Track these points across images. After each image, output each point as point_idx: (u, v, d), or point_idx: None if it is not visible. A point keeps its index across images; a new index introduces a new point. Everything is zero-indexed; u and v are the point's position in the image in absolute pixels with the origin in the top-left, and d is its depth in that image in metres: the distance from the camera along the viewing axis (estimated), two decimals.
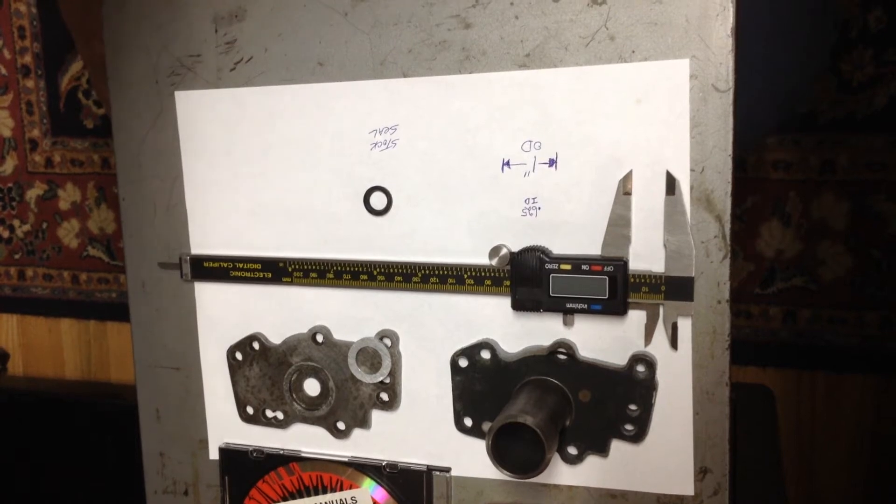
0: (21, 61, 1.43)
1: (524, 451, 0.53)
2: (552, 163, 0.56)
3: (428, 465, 0.63)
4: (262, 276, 0.64)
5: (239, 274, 0.64)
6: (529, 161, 0.57)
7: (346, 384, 0.64)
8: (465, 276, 0.59)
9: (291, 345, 0.65)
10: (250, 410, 0.67)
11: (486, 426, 0.60)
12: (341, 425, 0.65)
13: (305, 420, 0.66)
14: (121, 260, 1.41)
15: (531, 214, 0.57)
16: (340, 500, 0.65)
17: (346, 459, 0.65)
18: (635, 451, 0.58)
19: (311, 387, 0.65)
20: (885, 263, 1.09)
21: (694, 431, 0.56)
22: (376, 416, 0.64)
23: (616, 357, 0.57)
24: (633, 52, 0.53)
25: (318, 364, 0.64)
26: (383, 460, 0.64)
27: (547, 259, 0.57)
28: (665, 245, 0.55)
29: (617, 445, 0.58)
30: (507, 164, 0.57)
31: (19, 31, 1.43)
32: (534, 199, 0.57)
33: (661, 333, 0.56)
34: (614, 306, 0.56)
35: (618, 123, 0.54)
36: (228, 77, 0.63)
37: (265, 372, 0.66)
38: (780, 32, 0.73)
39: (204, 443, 0.69)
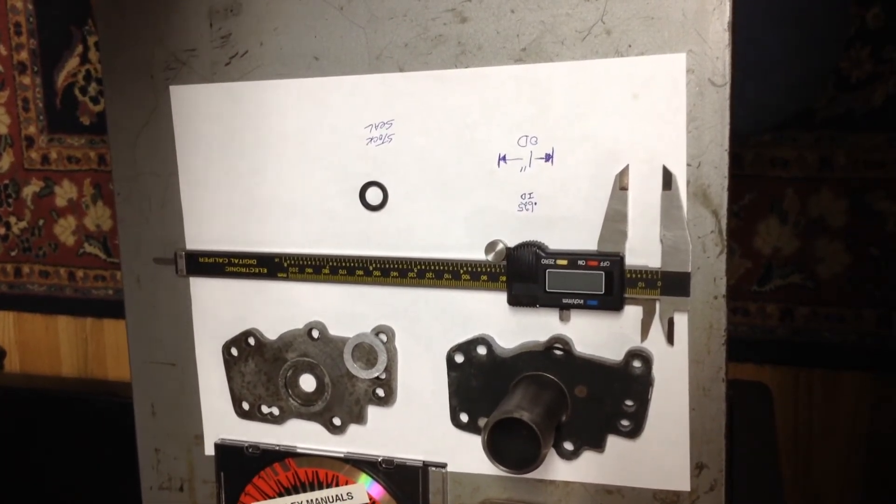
0: (17, 58, 1.43)
1: (520, 446, 0.53)
2: (548, 158, 0.56)
3: (424, 461, 0.63)
4: (257, 271, 0.64)
5: (234, 269, 0.64)
6: (526, 156, 0.56)
7: (342, 380, 0.64)
8: (462, 271, 0.59)
9: (287, 340, 0.65)
10: (246, 406, 0.67)
11: (482, 422, 0.60)
12: (337, 421, 0.65)
13: (301, 416, 0.66)
14: (117, 257, 1.41)
15: (527, 210, 0.57)
16: (336, 495, 0.65)
17: (342, 455, 0.65)
18: (631, 446, 0.58)
19: (307, 382, 0.65)
20: (882, 261, 1.09)
21: (690, 427, 0.56)
22: (372, 411, 0.64)
23: (612, 352, 0.57)
24: (630, 46, 0.53)
25: (313, 360, 0.64)
26: (379, 456, 0.64)
27: (543, 254, 0.56)
28: (661, 240, 0.54)
29: (613, 441, 0.58)
30: (504, 158, 0.57)
31: (15, 27, 1.42)
32: (530, 194, 0.57)
33: (657, 329, 0.55)
34: (610, 302, 0.55)
35: (614, 118, 0.54)
36: (223, 71, 0.62)
37: (261, 368, 0.66)
38: (780, 27, 0.73)
39: (199, 438, 0.69)
